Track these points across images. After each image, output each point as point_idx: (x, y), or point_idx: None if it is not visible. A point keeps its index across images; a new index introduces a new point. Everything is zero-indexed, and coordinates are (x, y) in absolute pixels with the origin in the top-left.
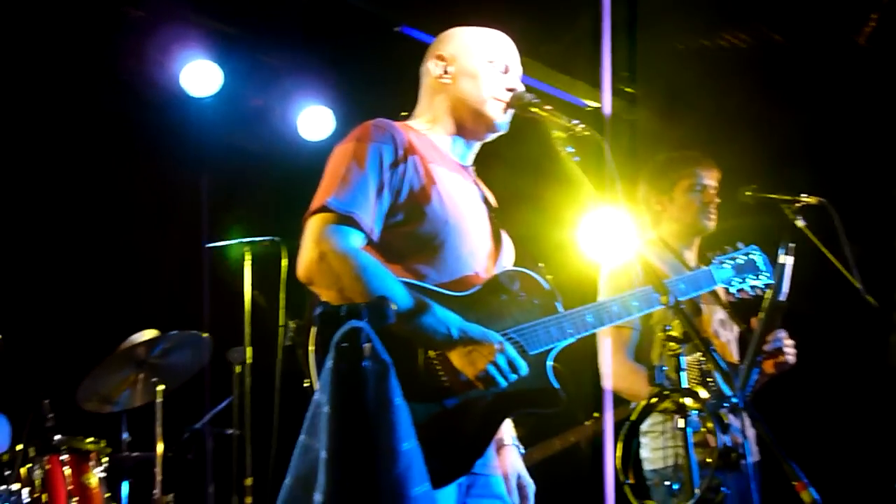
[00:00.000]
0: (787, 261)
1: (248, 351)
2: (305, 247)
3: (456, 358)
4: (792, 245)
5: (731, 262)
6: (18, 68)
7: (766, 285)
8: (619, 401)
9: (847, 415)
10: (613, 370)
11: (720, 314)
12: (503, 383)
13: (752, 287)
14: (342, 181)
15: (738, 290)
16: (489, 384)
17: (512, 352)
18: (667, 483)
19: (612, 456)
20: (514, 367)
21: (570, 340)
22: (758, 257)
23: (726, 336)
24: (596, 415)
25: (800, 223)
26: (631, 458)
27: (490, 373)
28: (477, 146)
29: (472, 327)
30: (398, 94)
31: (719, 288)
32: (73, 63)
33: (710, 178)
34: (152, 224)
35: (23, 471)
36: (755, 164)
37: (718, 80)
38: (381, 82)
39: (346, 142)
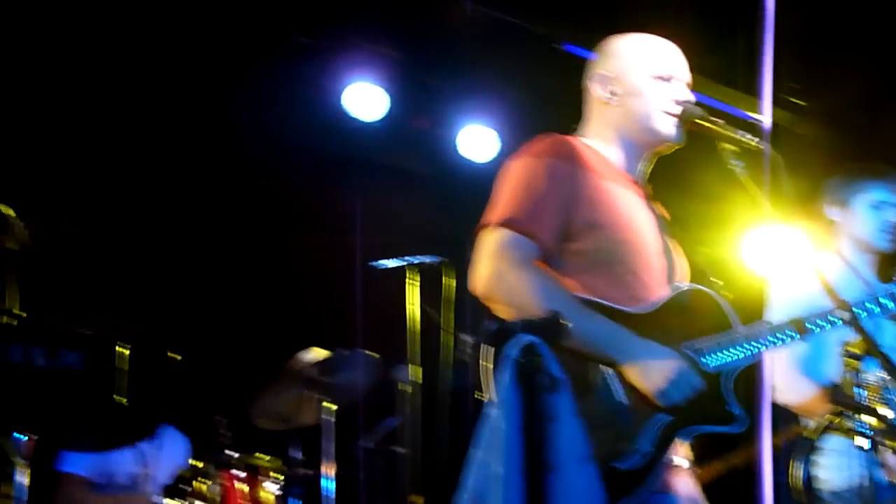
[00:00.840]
0: None
1: (419, 371)
2: (482, 261)
3: (632, 375)
4: None
5: None
6: (188, 90)
7: None
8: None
9: None
10: (784, 383)
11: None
12: (679, 399)
13: None
14: (519, 197)
15: None
16: (665, 400)
17: (688, 368)
18: None
19: (769, 475)
20: (691, 384)
21: (751, 360)
22: None
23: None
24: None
25: None
26: (809, 477)
27: (666, 389)
28: (650, 159)
29: (650, 345)
30: (561, 113)
31: None
32: (243, 87)
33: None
34: (320, 245)
35: (201, 487)
36: None
37: (889, 90)
38: (543, 101)
39: (521, 157)
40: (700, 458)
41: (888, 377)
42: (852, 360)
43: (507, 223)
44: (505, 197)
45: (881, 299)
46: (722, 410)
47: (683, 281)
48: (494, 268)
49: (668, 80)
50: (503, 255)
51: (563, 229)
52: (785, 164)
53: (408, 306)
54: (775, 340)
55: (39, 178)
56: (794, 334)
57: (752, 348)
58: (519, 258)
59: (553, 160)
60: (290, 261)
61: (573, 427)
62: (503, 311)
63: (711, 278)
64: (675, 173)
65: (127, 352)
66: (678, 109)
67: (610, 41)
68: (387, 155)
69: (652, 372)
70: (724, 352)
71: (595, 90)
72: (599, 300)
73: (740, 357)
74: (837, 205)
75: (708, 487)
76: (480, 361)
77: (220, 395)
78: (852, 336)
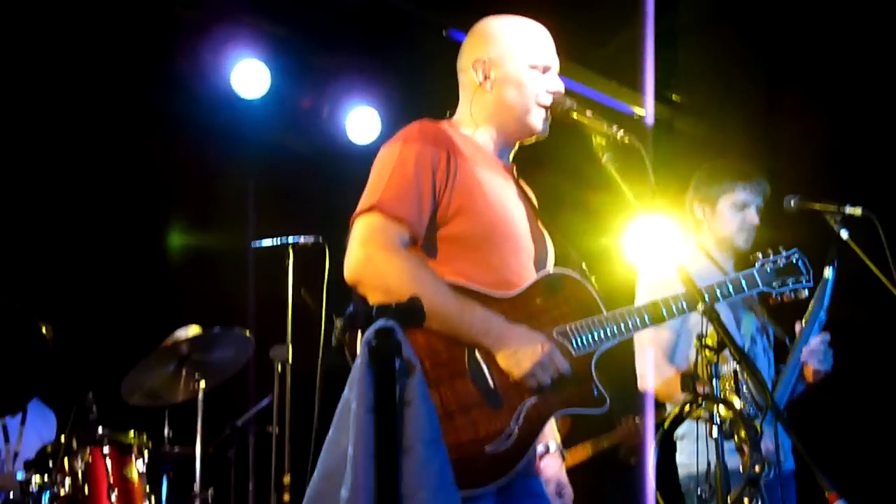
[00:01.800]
0: (830, 274)
1: (290, 350)
2: (352, 248)
3: (501, 359)
4: (835, 259)
5: (772, 265)
6: (68, 65)
7: (807, 289)
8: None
9: (885, 427)
10: (649, 370)
11: (757, 320)
12: (547, 382)
13: (793, 291)
14: (390, 183)
15: (779, 294)
16: (534, 383)
17: (556, 352)
18: (698, 492)
19: (653, 460)
20: (558, 367)
21: (614, 342)
22: (799, 261)
23: (762, 343)
24: (637, 419)
25: (844, 234)
26: (664, 464)
27: (535, 372)
28: (516, 145)
29: (518, 328)
30: (445, 97)
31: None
32: (123, 61)
33: (757, 197)
34: (199, 222)
35: (65, 462)
36: (800, 174)
37: (765, 88)
38: (428, 85)
39: (393, 143)
40: (568, 439)
41: (740, 368)
42: (707, 351)
43: (375, 208)
44: (375, 183)
45: (728, 284)
46: (588, 392)
47: (550, 266)
48: (363, 253)
49: (543, 70)
50: (372, 240)
51: (433, 214)
52: (663, 159)
53: (287, 287)
54: (637, 323)
55: None
56: (651, 317)
57: (616, 330)
58: (387, 243)
59: (422, 146)
60: (174, 238)
61: (425, 410)
62: (374, 296)
63: (581, 264)
64: (551, 161)
65: None
66: (549, 101)
67: (486, 22)
68: (275, 134)
69: (519, 355)
70: (590, 334)
71: (471, 74)
72: (468, 285)
73: (605, 339)
74: (704, 202)
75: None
76: (346, 337)
77: (91, 369)
78: (708, 327)
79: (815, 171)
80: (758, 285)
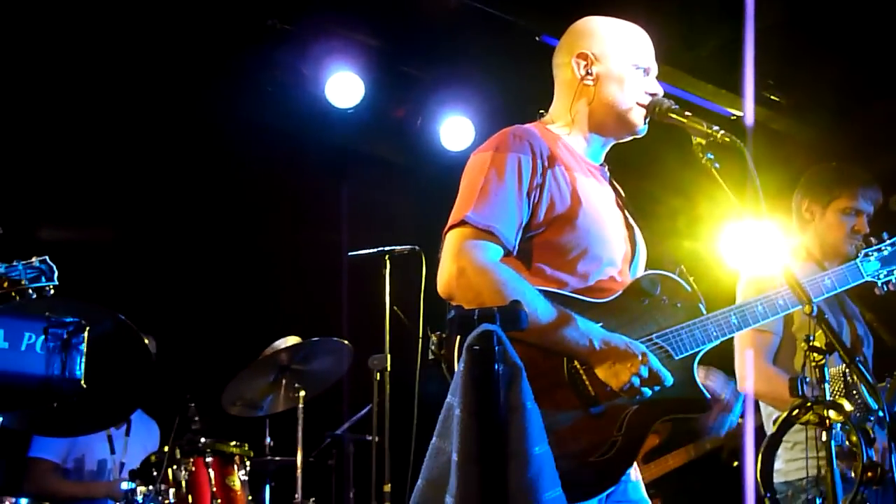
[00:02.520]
0: None
1: (388, 358)
2: (445, 262)
3: (600, 370)
4: None
5: (878, 254)
6: (167, 78)
7: None
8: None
9: None
10: (754, 374)
11: (860, 328)
12: (648, 394)
13: None
14: (481, 193)
15: (885, 283)
16: (634, 395)
17: (656, 362)
18: (808, 497)
19: (753, 465)
20: (658, 378)
21: (715, 343)
22: None
23: (864, 352)
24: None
25: None
26: (771, 469)
27: (634, 384)
28: (612, 144)
29: (615, 337)
30: (539, 104)
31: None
32: (220, 74)
33: (870, 204)
34: (295, 232)
35: (169, 472)
36: None
37: (865, 89)
38: (521, 92)
39: (483, 151)
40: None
41: (849, 371)
42: (814, 354)
43: (468, 221)
44: (466, 193)
45: (829, 277)
46: (690, 396)
47: (643, 267)
48: (456, 267)
49: (646, 71)
50: (464, 253)
51: (526, 223)
52: (761, 160)
53: (384, 296)
54: (739, 322)
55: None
56: (759, 315)
57: (717, 331)
58: (480, 256)
59: (514, 154)
60: (271, 248)
61: (529, 415)
62: None
63: (680, 266)
64: (647, 165)
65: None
66: (648, 101)
67: (589, 20)
68: (369, 144)
69: (618, 367)
70: (691, 336)
71: (573, 68)
72: (564, 292)
73: (707, 341)
74: (814, 204)
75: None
76: (451, 358)
77: (192, 380)
78: (816, 330)
79: None
80: (862, 276)
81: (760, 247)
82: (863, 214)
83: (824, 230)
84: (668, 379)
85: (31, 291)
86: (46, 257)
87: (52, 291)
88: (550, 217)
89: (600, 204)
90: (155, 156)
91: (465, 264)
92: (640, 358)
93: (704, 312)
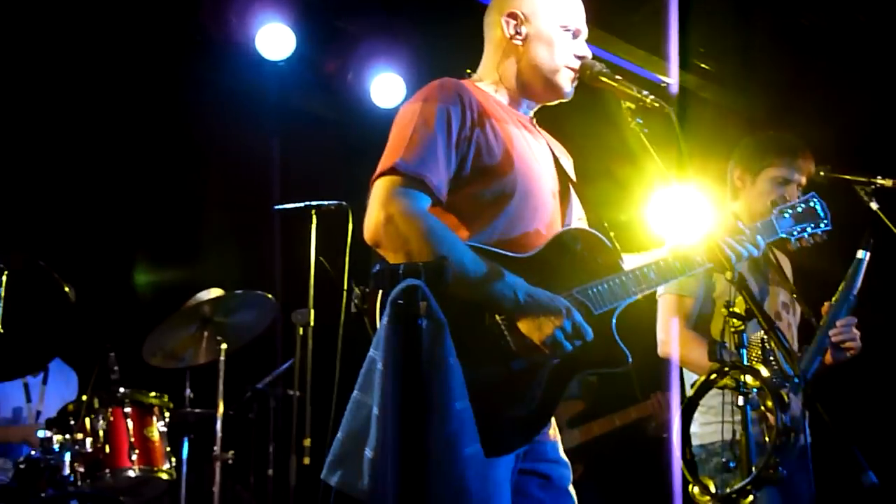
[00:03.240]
0: (864, 256)
1: (311, 313)
2: (372, 209)
3: (523, 323)
4: (871, 241)
5: (791, 211)
6: (94, 28)
7: (825, 233)
8: None
9: None
10: (673, 339)
11: (783, 296)
12: (569, 348)
13: (812, 236)
14: (410, 142)
15: (798, 240)
16: (556, 349)
17: (578, 317)
18: (723, 460)
19: (678, 431)
20: (580, 332)
21: (633, 298)
22: (817, 205)
23: (788, 319)
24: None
25: (874, 206)
26: (689, 433)
27: (557, 338)
28: (538, 106)
29: (539, 292)
30: (469, 63)
31: (786, 266)
32: (148, 23)
33: (801, 174)
34: (223, 184)
35: (87, 422)
36: (830, 145)
37: (795, 58)
38: (453, 51)
39: (412, 102)
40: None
41: (767, 337)
42: (734, 320)
43: (396, 169)
44: (396, 142)
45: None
46: (610, 351)
47: (578, 218)
48: (383, 214)
49: (574, 34)
50: (392, 201)
51: (455, 173)
52: (691, 128)
53: (308, 250)
54: (656, 277)
55: None
56: (677, 271)
57: (635, 286)
58: (408, 204)
59: (444, 105)
60: (198, 199)
61: (451, 370)
62: (395, 258)
63: (602, 223)
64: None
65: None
66: (577, 64)
67: None
68: (299, 97)
69: (541, 321)
70: (612, 292)
71: (502, 26)
72: (488, 247)
73: (625, 296)
74: (745, 173)
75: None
76: (374, 311)
77: (113, 329)
78: (735, 296)
79: (845, 143)
80: (776, 232)
81: (686, 212)
82: (793, 184)
83: (754, 198)
84: (589, 333)
85: None
86: None
87: None
88: (479, 168)
89: (532, 157)
90: (81, 101)
91: (393, 211)
92: (563, 312)
93: (623, 268)
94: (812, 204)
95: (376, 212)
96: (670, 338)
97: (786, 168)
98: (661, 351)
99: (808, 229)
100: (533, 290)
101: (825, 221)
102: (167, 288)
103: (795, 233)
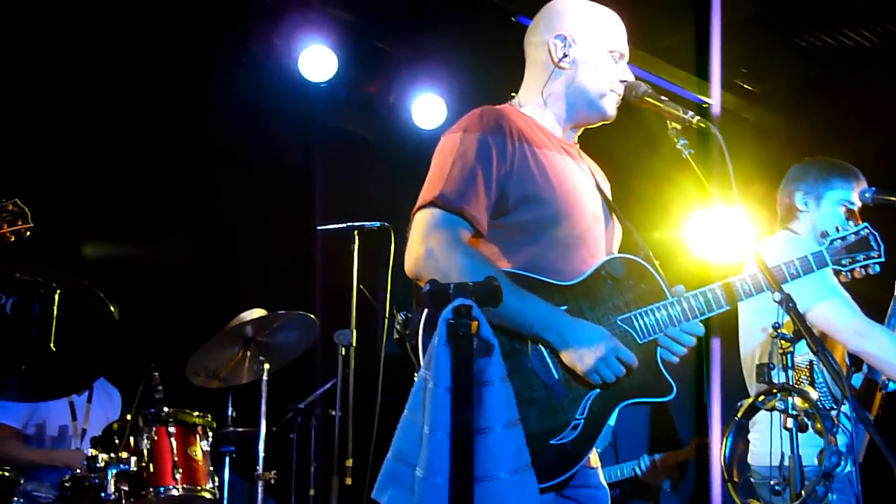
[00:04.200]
0: None
1: (353, 334)
2: (413, 242)
3: (565, 355)
4: None
5: (841, 242)
6: (141, 47)
7: (878, 264)
8: None
9: None
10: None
11: None
12: (611, 379)
13: (864, 267)
14: (451, 174)
15: (849, 271)
16: (598, 380)
17: (621, 347)
18: (771, 482)
19: (718, 451)
20: (622, 363)
21: (679, 327)
22: (870, 235)
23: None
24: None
25: None
26: (737, 455)
27: (599, 369)
28: (582, 129)
29: (580, 323)
30: (512, 85)
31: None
32: (195, 43)
33: (857, 199)
34: (266, 206)
35: (131, 440)
36: (873, 167)
37: (840, 79)
38: (495, 73)
39: (453, 132)
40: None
41: (817, 359)
42: (782, 341)
43: (437, 202)
44: (436, 174)
45: (796, 264)
46: (653, 380)
47: (620, 250)
48: (423, 248)
49: (619, 57)
50: (432, 235)
51: (496, 204)
52: (731, 148)
53: (350, 271)
54: (702, 306)
55: None
56: (723, 301)
57: (680, 315)
58: (448, 238)
59: (484, 134)
60: (241, 221)
61: (503, 391)
62: None
63: (646, 249)
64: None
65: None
66: (622, 88)
67: (566, 2)
68: (341, 118)
69: (582, 352)
70: (656, 321)
71: (549, 48)
72: (529, 274)
73: (670, 324)
74: (809, 195)
75: None
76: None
77: (157, 349)
78: (784, 317)
79: (888, 165)
80: (827, 263)
81: (730, 234)
82: (856, 208)
83: (819, 220)
84: (633, 363)
85: (9, 234)
86: (17, 200)
87: (28, 234)
88: (521, 197)
89: (576, 184)
90: (127, 125)
91: (433, 245)
92: (604, 343)
93: (669, 296)
94: (864, 234)
95: (417, 245)
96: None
97: (851, 192)
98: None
99: (860, 260)
100: (573, 321)
101: (878, 252)
102: (211, 308)
103: (847, 263)
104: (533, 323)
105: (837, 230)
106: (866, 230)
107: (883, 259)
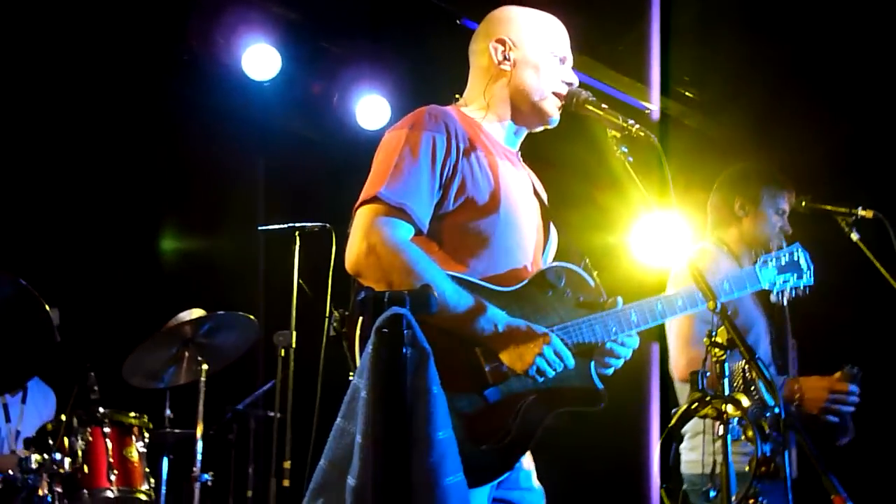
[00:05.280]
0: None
1: (293, 335)
2: (354, 238)
3: (504, 353)
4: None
5: (775, 262)
6: (81, 45)
7: (807, 286)
8: None
9: (888, 431)
10: (680, 359)
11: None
12: (551, 374)
13: (794, 288)
14: (394, 171)
15: (780, 292)
16: (538, 375)
17: (558, 343)
18: (703, 489)
19: (657, 457)
20: (561, 357)
21: (614, 338)
22: (801, 256)
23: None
24: None
25: (854, 236)
26: (669, 461)
27: (538, 364)
28: (525, 133)
29: (519, 322)
30: (455, 87)
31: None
32: (135, 42)
33: (790, 207)
34: (207, 205)
35: (65, 441)
36: (809, 175)
37: (776, 86)
38: (439, 74)
39: (398, 129)
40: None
41: (749, 367)
42: (716, 349)
43: (378, 198)
44: (379, 170)
45: (727, 282)
46: (586, 389)
47: (555, 257)
48: (365, 244)
49: (561, 60)
50: (374, 231)
51: (439, 203)
52: (673, 155)
53: (291, 272)
54: (640, 320)
55: None
56: (658, 314)
57: (619, 328)
58: (390, 234)
59: (429, 133)
60: (181, 220)
61: (435, 399)
62: (377, 288)
63: (585, 259)
64: (558, 157)
65: None
66: (564, 90)
67: (507, 8)
68: (285, 118)
69: (521, 350)
70: (592, 331)
71: (490, 52)
72: (469, 278)
73: (606, 336)
74: (746, 201)
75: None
76: (353, 336)
77: (93, 349)
78: (718, 326)
79: (824, 171)
80: (759, 283)
81: (671, 241)
82: (787, 216)
83: (755, 226)
84: (570, 360)
85: None
86: None
87: None
88: (463, 199)
89: (516, 190)
90: (63, 122)
91: (375, 241)
92: (542, 339)
93: (606, 309)
94: (796, 257)
95: (358, 242)
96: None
97: (785, 199)
98: (679, 376)
99: (791, 282)
100: (512, 321)
101: (808, 275)
102: (148, 307)
103: (778, 283)
104: (472, 323)
105: (771, 249)
106: (799, 251)
107: (811, 283)
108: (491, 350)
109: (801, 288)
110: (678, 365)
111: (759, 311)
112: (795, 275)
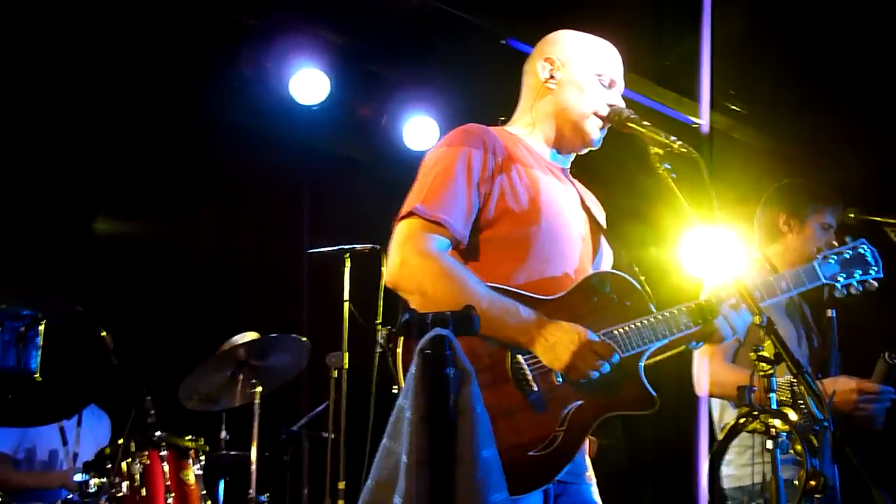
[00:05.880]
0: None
1: (345, 356)
2: (391, 252)
3: (541, 353)
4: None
5: (837, 257)
6: (134, 70)
7: (876, 280)
8: None
9: None
10: (713, 377)
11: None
12: (590, 374)
13: (861, 283)
14: (431, 187)
15: (845, 286)
16: (577, 376)
17: (596, 340)
18: (752, 503)
19: (705, 470)
20: (602, 353)
21: (662, 343)
22: (867, 251)
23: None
24: None
25: None
26: (717, 477)
27: (576, 364)
28: (572, 157)
29: (556, 322)
30: (503, 107)
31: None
32: (185, 67)
33: (836, 222)
34: (257, 228)
35: (123, 465)
36: (859, 186)
37: (825, 99)
38: (485, 95)
39: (437, 147)
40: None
41: (797, 381)
42: (763, 364)
43: (414, 213)
44: (418, 187)
45: (784, 279)
46: (635, 393)
47: (607, 268)
48: (399, 257)
49: (606, 82)
50: (407, 243)
51: (478, 216)
52: (721, 168)
53: (342, 293)
54: (687, 322)
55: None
56: (700, 316)
57: (665, 331)
58: (423, 246)
59: (467, 148)
60: (232, 243)
61: (478, 419)
62: (412, 300)
63: (632, 266)
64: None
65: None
66: (606, 112)
67: (561, 32)
68: (332, 141)
69: (558, 348)
70: (640, 335)
71: (537, 70)
72: (509, 288)
73: (654, 340)
74: (792, 217)
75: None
76: (395, 352)
77: (149, 373)
78: (764, 340)
79: (874, 184)
80: (819, 278)
81: (717, 255)
82: (832, 230)
83: (801, 243)
84: (612, 356)
85: None
86: None
87: None
88: (503, 211)
89: (560, 201)
90: (117, 148)
91: (407, 253)
92: (579, 336)
93: (654, 311)
94: (861, 250)
95: (394, 255)
96: (703, 376)
97: (833, 216)
98: (698, 391)
99: (857, 276)
100: (548, 321)
101: (875, 269)
102: (202, 332)
103: (842, 279)
104: (509, 326)
105: (833, 246)
106: (864, 245)
107: (881, 276)
108: (531, 353)
109: (870, 282)
110: (697, 380)
111: (790, 320)
112: (861, 269)
